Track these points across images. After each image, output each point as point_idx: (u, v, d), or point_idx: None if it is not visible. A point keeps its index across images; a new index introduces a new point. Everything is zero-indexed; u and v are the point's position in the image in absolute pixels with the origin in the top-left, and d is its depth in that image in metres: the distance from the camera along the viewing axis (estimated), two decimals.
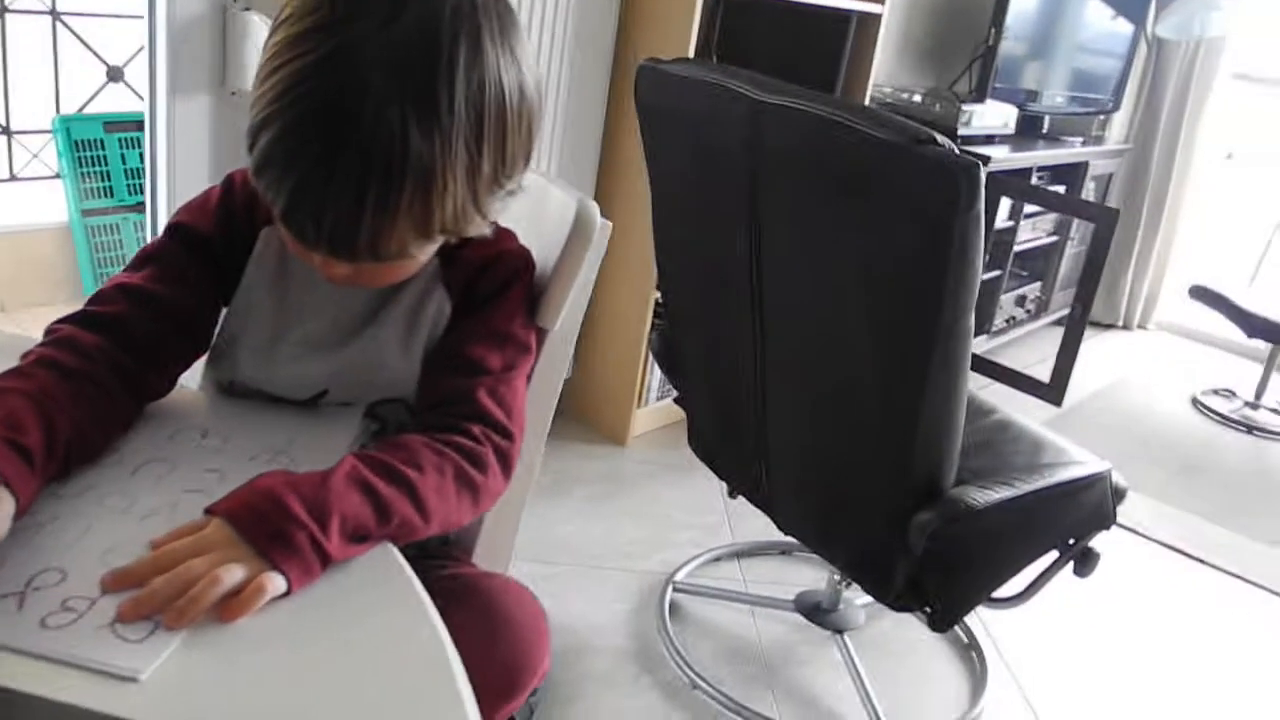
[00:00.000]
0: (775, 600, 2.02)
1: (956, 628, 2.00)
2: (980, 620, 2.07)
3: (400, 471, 0.75)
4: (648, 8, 2.30)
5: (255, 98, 0.72)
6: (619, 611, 1.95)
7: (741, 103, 1.39)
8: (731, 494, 1.88)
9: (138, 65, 2.94)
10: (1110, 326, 4.39)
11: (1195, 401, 3.61)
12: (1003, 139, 3.31)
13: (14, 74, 2.82)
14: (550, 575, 2.01)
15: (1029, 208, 3.47)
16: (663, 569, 2.09)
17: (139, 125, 2.88)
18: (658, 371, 2.61)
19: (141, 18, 1.84)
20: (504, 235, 0.91)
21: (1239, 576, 2.46)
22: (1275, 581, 2.45)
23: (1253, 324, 3.32)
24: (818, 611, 1.96)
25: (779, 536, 1.78)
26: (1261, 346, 3.56)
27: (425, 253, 0.79)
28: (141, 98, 2.93)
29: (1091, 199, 3.91)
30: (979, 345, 2.66)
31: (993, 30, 3.21)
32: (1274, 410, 3.57)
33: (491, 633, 0.82)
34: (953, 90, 3.41)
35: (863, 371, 1.40)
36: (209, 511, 0.69)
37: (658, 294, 2.41)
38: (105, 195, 2.85)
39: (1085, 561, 1.60)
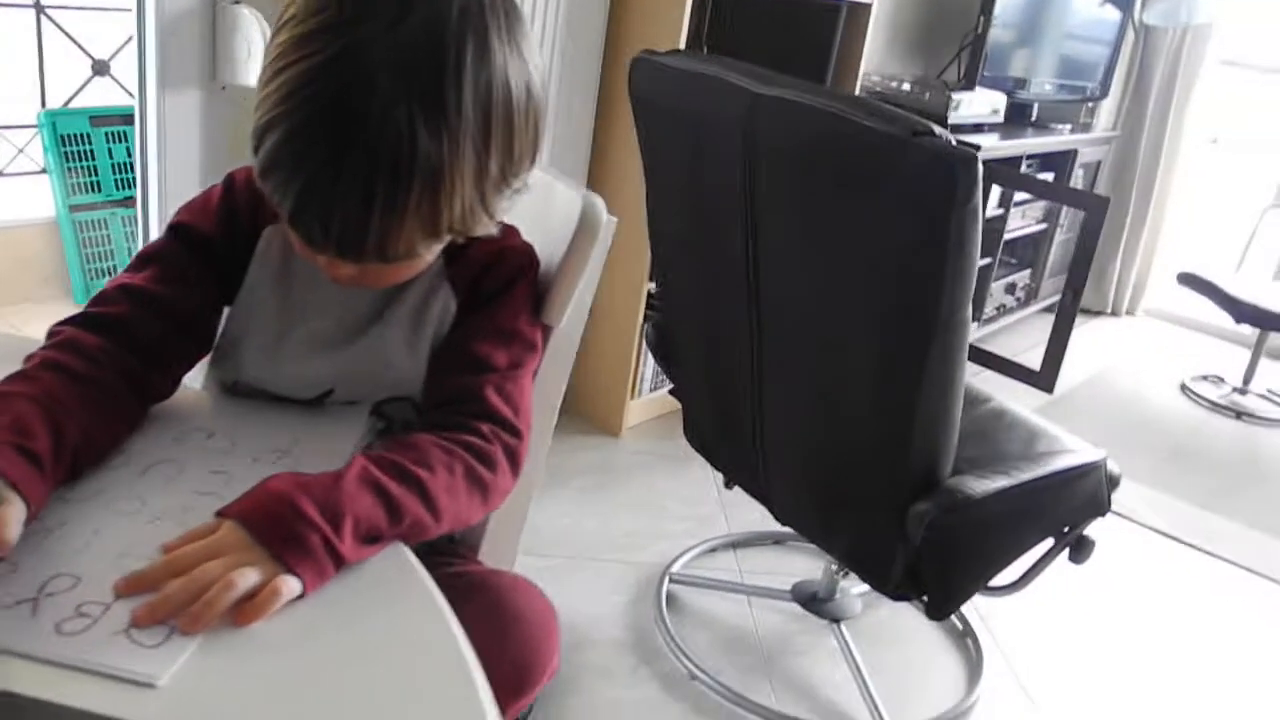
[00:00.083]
0: (772, 590, 2.03)
1: (952, 615, 2.01)
2: (975, 608, 2.08)
3: (411, 471, 0.75)
4: None
5: (260, 99, 0.71)
6: (616, 603, 1.95)
7: (738, 95, 1.39)
8: (728, 485, 1.89)
9: (123, 59, 2.92)
10: (1099, 313, 4.41)
11: (1184, 387, 3.63)
12: (992, 127, 3.32)
13: None
14: (546, 567, 2.02)
15: (1018, 195, 3.48)
16: (659, 560, 2.09)
17: (125, 119, 2.87)
18: (651, 362, 2.61)
19: (127, 11, 1.83)
20: (508, 232, 0.91)
21: (1230, 561, 2.48)
22: (1267, 567, 2.48)
23: (1241, 310, 3.34)
24: (814, 601, 1.97)
25: (774, 526, 1.79)
26: (1249, 332, 3.58)
27: (432, 253, 0.78)
28: (128, 91, 2.92)
29: (1080, 186, 3.93)
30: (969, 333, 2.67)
31: (982, 18, 3.22)
32: (1262, 396, 3.59)
33: (502, 630, 0.82)
34: (941, 78, 3.41)
35: (860, 363, 1.41)
36: (221, 514, 0.69)
37: (651, 285, 2.41)
38: (93, 190, 2.82)
39: (1080, 549, 1.61)
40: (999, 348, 3.23)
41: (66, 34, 2.84)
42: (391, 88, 0.68)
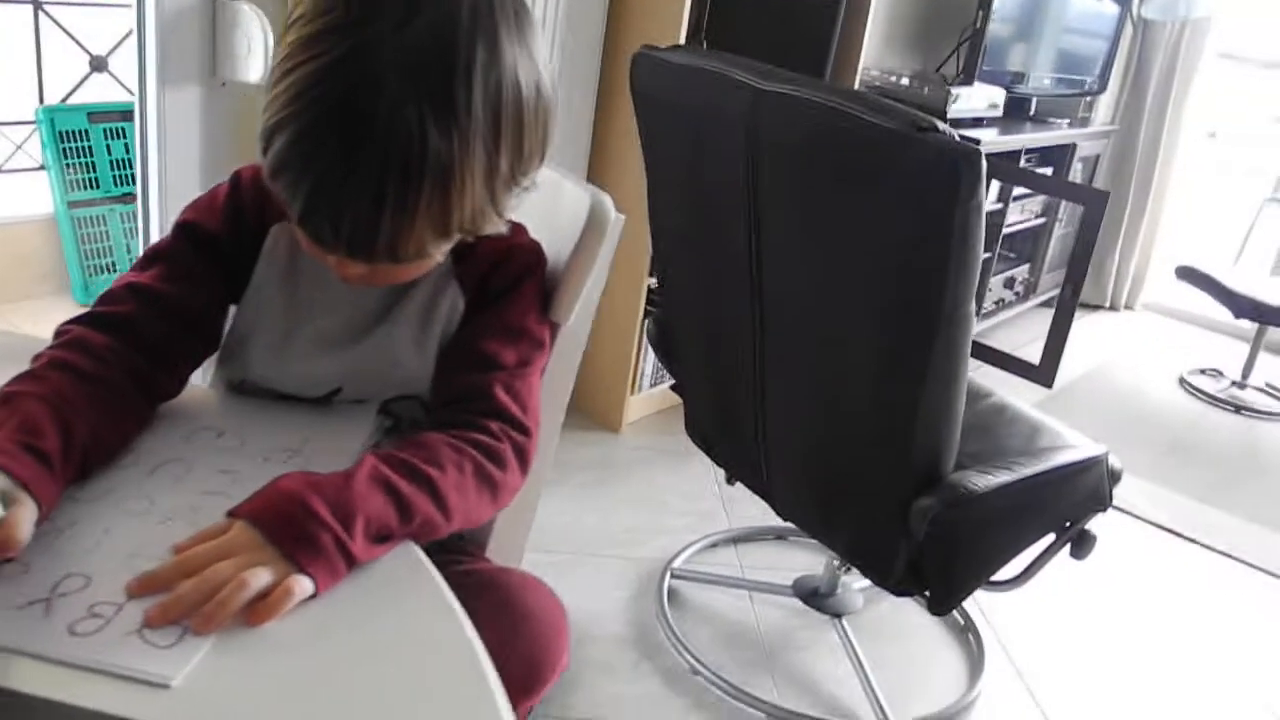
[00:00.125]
0: (773, 585, 2.03)
1: (953, 610, 2.02)
2: (976, 602, 2.09)
3: (421, 470, 0.75)
4: None
5: (269, 100, 0.71)
6: (617, 599, 1.96)
7: (741, 91, 1.38)
8: (729, 480, 1.89)
9: (121, 55, 2.91)
10: (1097, 307, 4.42)
11: (1183, 381, 3.64)
12: (991, 122, 3.32)
13: None
14: (547, 563, 2.02)
15: (1017, 190, 3.48)
16: (660, 555, 2.09)
17: (124, 115, 2.86)
18: (651, 358, 2.61)
19: (126, 6, 1.82)
20: (515, 229, 0.91)
21: (1229, 555, 2.48)
22: (1266, 560, 2.48)
23: (1240, 304, 3.34)
24: (816, 596, 1.97)
25: (775, 521, 1.79)
26: (1248, 326, 3.58)
27: (442, 252, 0.78)
28: (126, 87, 2.91)
29: (1078, 180, 3.93)
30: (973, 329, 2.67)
31: (980, 12, 3.21)
32: (1261, 390, 3.60)
33: (512, 628, 0.83)
34: (940, 73, 3.41)
35: (863, 359, 1.41)
36: (232, 514, 0.69)
37: (651, 280, 2.41)
38: (91, 187, 2.81)
39: (1082, 544, 1.61)
40: (998, 342, 3.24)
41: (64, 30, 2.83)
42: (400, 88, 0.68)
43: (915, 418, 1.36)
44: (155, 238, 1.96)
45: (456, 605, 0.68)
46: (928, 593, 1.52)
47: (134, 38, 1.84)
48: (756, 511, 2.20)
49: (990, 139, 3.16)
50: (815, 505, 1.64)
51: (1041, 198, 3.71)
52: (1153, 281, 4.42)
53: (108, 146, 2.84)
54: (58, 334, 0.83)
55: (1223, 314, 3.54)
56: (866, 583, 1.99)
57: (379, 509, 0.71)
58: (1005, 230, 3.48)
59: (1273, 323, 3.40)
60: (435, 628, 0.67)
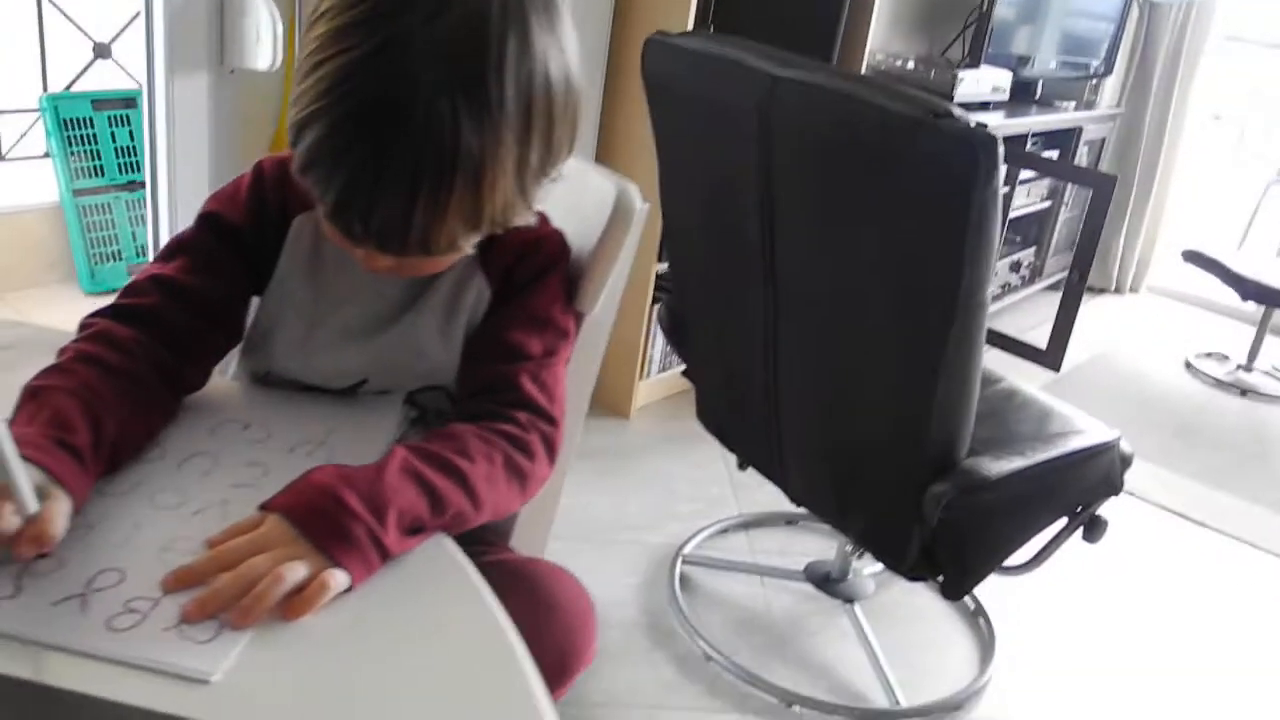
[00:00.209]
0: (784, 570, 2.04)
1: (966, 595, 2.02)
2: (987, 587, 2.09)
3: (452, 462, 0.75)
4: None
5: (297, 94, 0.71)
6: (629, 585, 1.96)
7: (755, 78, 1.38)
8: (741, 466, 1.89)
9: (125, 42, 2.90)
10: (1103, 291, 4.41)
11: (1189, 365, 3.64)
12: (997, 105, 3.31)
13: (0, 52, 2.77)
14: (558, 550, 1.99)
15: (1023, 174, 3.47)
16: (671, 541, 2.10)
17: (127, 103, 2.85)
18: (659, 344, 2.61)
19: None
20: (540, 219, 0.91)
21: (1236, 538, 2.49)
22: (1272, 542, 2.49)
23: (1246, 287, 3.34)
24: (827, 581, 1.98)
25: (785, 507, 1.79)
26: (1253, 309, 3.58)
27: (472, 245, 0.78)
28: (130, 74, 2.90)
29: (1084, 163, 3.92)
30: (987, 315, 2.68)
31: None
32: (1267, 373, 3.60)
33: (543, 618, 0.83)
34: (945, 56, 3.40)
35: (879, 346, 1.41)
36: (265, 508, 0.69)
37: (660, 266, 2.41)
38: (96, 174, 2.81)
39: (1094, 528, 1.62)
40: (1004, 326, 3.24)
41: (67, 17, 2.81)
42: (434, 82, 0.67)
43: (930, 405, 1.36)
44: (164, 225, 1.96)
45: (491, 596, 0.68)
46: (941, 578, 1.52)
47: (137, 25, 1.84)
48: (766, 496, 2.20)
49: (997, 122, 3.15)
50: (830, 491, 1.64)
51: (1047, 181, 3.70)
52: (1158, 265, 4.42)
53: (112, 134, 2.83)
54: (82, 326, 0.83)
55: (1228, 297, 3.53)
56: (878, 567, 2.00)
57: (411, 501, 0.71)
58: (1011, 214, 3.47)
59: (1279, 305, 3.39)
60: (470, 619, 0.67)
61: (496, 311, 0.89)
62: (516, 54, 0.70)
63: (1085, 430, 1.62)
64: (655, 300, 2.47)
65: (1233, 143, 4.44)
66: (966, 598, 2.05)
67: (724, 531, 2.18)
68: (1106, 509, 1.59)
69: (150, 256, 2.16)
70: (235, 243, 0.88)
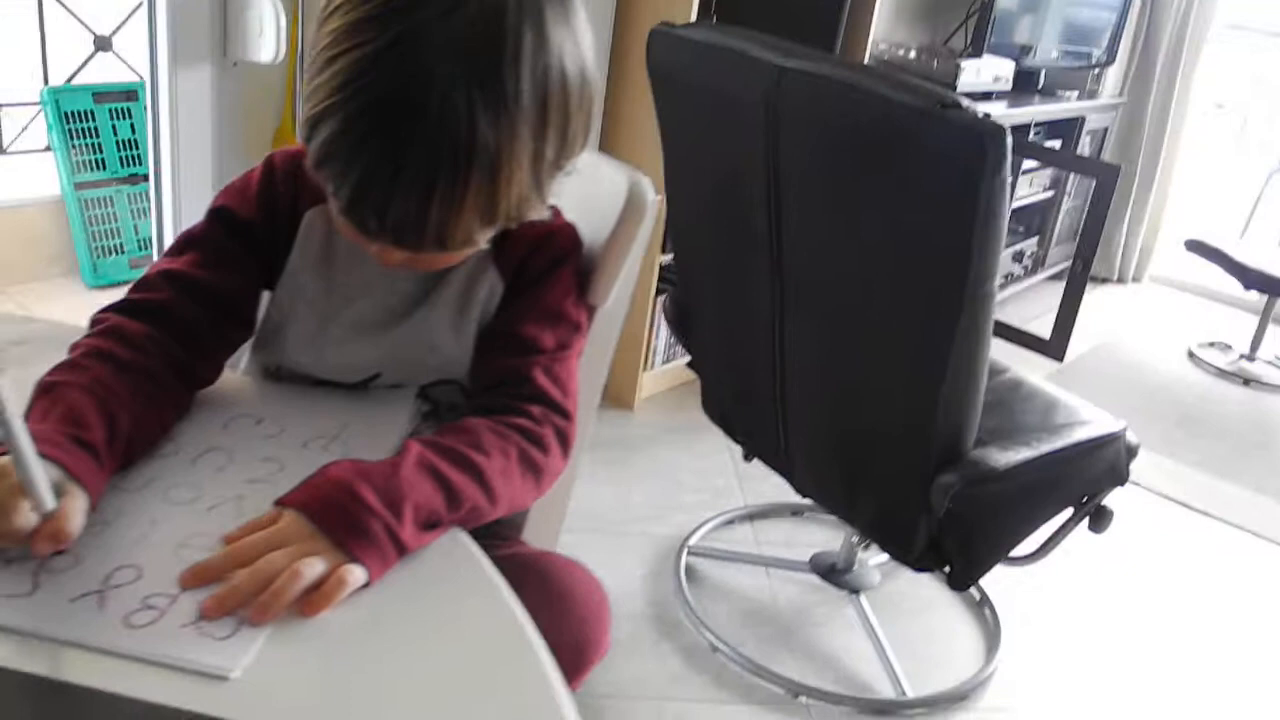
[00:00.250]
0: (790, 562, 2.04)
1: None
2: (992, 576, 2.09)
3: (467, 456, 0.75)
4: None
5: (311, 89, 0.70)
6: (635, 577, 1.96)
7: (761, 69, 1.37)
8: (747, 458, 1.89)
9: (126, 34, 2.89)
10: (1105, 280, 4.41)
11: (1191, 354, 3.64)
12: (999, 95, 3.30)
13: (0, 45, 2.76)
14: (564, 542, 2.00)
15: (1026, 164, 3.47)
16: (676, 533, 2.10)
17: (129, 95, 2.84)
18: (663, 335, 2.61)
19: None
20: (552, 212, 0.90)
21: (1239, 527, 2.49)
22: (1275, 532, 2.49)
23: (1249, 276, 3.34)
24: (833, 572, 1.98)
25: (790, 498, 1.79)
26: (1256, 298, 3.58)
27: (487, 239, 0.78)
28: (131, 67, 2.89)
29: (1087, 153, 3.91)
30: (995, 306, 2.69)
31: None
32: (1270, 363, 3.60)
33: (560, 611, 0.83)
34: (948, 46, 3.39)
35: (886, 337, 1.41)
36: (281, 503, 0.69)
37: (664, 257, 2.40)
38: (97, 168, 2.80)
39: (1099, 518, 1.62)
40: (1007, 316, 3.24)
41: (68, 9, 2.80)
42: (450, 77, 0.67)
43: (938, 396, 1.36)
44: (168, 219, 1.96)
45: (507, 590, 0.68)
46: (948, 568, 1.52)
47: (138, 17, 1.83)
48: (770, 488, 2.20)
49: (1000, 112, 3.14)
50: (837, 482, 1.64)
51: (1050, 171, 3.69)
52: (1160, 254, 4.41)
53: (114, 127, 2.82)
54: (94, 322, 0.83)
55: (1230, 286, 3.53)
56: (883, 558, 2.00)
57: (427, 496, 0.71)
58: (1014, 204, 3.46)
59: None
60: (488, 613, 0.67)
61: (509, 305, 0.89)
62: (533, 47, 0.69)
63: (1091, 421, 1.62)
64: (659, 292, 2.46)
65: (1235, 132, 4.43)
66: (971, 588, 2.06)
67: (729, 523, 2.18)
68: (1110, 498, 1.59)
69: (154, 250, 2.16)
70: (246, 237, 0.88)
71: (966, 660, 1.87)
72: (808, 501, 1.78)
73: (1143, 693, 1.86)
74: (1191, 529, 2.48)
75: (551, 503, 1.03)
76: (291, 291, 0.90)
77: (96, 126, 2.79)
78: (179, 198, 1.92)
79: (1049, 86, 3.80)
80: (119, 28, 2.88)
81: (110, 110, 2.82)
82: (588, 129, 0.77)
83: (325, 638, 0.62)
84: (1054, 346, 2.86)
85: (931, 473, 1.42)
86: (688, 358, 1.92)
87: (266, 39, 1.81)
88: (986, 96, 3.21)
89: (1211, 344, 3.71)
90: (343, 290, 0.89)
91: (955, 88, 2.99)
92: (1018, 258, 3.74)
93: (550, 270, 0.89)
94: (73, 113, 2.75)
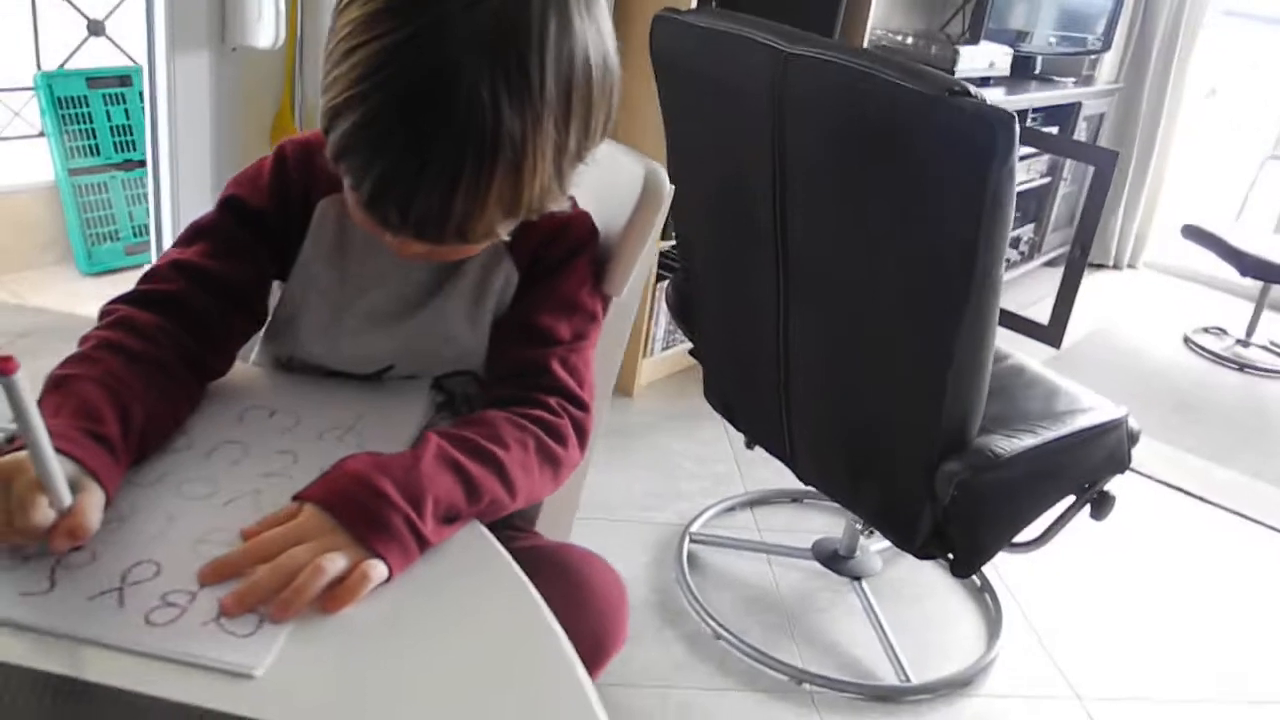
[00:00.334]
0: (791, 549, 2.04)
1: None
2: (993, 563, 2.09)
3: (487, 449, 0.75)
4: None
5: (330, 79, 0.69)
6: (638, 564, 1.96)
7: (767, 55, 1.37)
8: (749, 445, 1.89)
9: (119, 19, 2.86)
10: (1101, 266, 4.41)
11: (1187, 340, 3.64)
12: (996, 81, 3.30)
13: None
14: None
15: (1023, 150, 3.45)
16: (678, 520, 2.10)
17: (122, 81, 2.81)
18: (663, 321, 2.60)
19: None
20: (569, 202, 0.90)
21: (1235, 512, 2.50)
22: (1271, 517, 2.50)
23: (1245, 262, 3.34)
24: (835, 559, 1.98)
25: (790, 485, 1.79)
26: (1251, 284, 3.59)
27: (508, 231, 0.77)
28: (125, 52, 2.87)
29: (1083, 139, 3.91)
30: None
31: None
32: (1265, 348, 3.61)
33: (577, 603, 0.82)
34: (945, 32, 3.38)
35: (892, 325, 1.40)
36: (300, 497, 0.68)
37: (664, 244, 2.39)
38: (91, 154, 2.77)
39: (1101, 505, 1.62)
40: (1004, 302, 3.22)
41: None
42: (475, 68, 0.65)
43: (944, 384, 1.36)
44: (166, 205, 1.94)
45: (528, 583, 0.68)
46: (951, 555, 1.52)
47: (132, 1, 1.81)
48: (770, 475, 2.20)
49: (997, 98, 3.13)
50: (841, 470, 1.64)
51: (1047, 157, 3.69)
52: (1156, 240, 4.42)
53: (107, 113, 2.80)
54: (104, 313, 0.81)
55: (1225, 272, 3.53)
56: (885, 545, 2.01)
57: (447, 489, 0.70)
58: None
59: (1278, 281, 3.40)
60: (509, 606, 0.67)
61: (525, 295, 0.88)
62: (557, 37, 0.68)
63: (1093, 408, 1.62)
64: (660, 278, 2.46)
65: (1230, 118, 4.43)
66: (973, 575, 2.06)
67: (730, 510, 2.18)
68: (1110, 484, 1.60)
69: (150, 237, 2.14)
70: (258, 226, 0.87)
71: (968, 646, 1.88)
72: (808, 488, 1.78)
73: (1143, 676, 1.87)
74: (1188, 514, 2.49)
75: (565, 494, 1.02)
76: (304, 282, 0.89)
77: (90, 112, 2.77)
78: (177, 184, 1.91)
79: (1045, 72, 3.79)
80: (112, 12, 2.85)
81: (104, 96, 2.79)
82: (609, 119, 0.77)
83: (347, 634, 0.62)
84: (1052, 333, 2.85)
85: (936, 461, 1.42)
86: (687, 344, 1.92)
87: (265, 24, 1.79)
88: (984, 83, 3.20)
89: (1207, 330, 3.72)
90: (356, 280, 0.88)
91: (953, 74, 2.98)
92: (1014, 243, 3.74)
93: (566, 260, 0.88)
94: (66, 98, 2.72)
